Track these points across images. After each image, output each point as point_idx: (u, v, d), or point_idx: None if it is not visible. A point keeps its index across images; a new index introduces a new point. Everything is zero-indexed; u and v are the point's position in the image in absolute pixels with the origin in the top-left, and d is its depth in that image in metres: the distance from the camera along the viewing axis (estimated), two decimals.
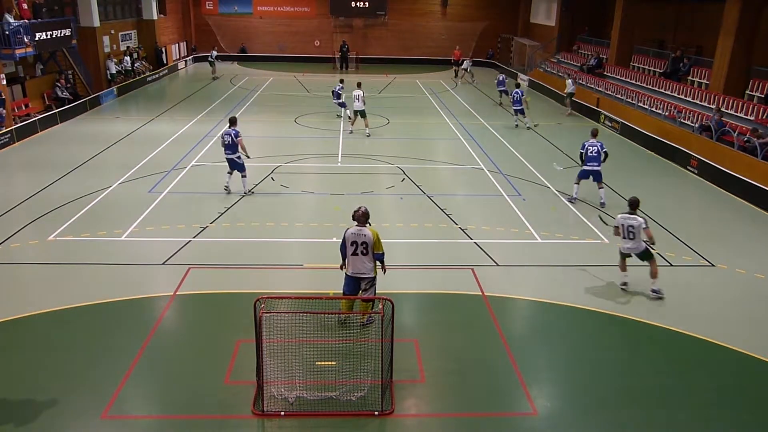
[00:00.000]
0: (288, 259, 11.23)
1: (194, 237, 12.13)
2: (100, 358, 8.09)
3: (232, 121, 14.68)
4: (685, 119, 20.03)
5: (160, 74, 34.23)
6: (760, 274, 11.06)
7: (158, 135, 20.64)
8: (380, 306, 7.21)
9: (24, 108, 22.13)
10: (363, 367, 7.55)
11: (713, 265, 11.40)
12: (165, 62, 35.91)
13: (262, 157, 18.15)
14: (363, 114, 20.81)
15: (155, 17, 34.66)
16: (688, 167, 17.86)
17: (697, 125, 18.99)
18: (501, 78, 28.69)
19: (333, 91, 23.09)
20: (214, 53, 35.60)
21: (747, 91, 19.34)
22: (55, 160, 17.32)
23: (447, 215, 13.60)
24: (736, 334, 9.01)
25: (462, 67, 36.16)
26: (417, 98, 29.63)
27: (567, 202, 14.56)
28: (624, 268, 10.34)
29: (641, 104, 22.85)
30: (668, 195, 15.71)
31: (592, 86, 27.09)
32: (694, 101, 20.89)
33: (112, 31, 30.27)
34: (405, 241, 12.32)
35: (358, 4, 40.86)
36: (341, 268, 8.72)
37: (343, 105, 22.90)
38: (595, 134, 14.62)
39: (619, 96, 24.48)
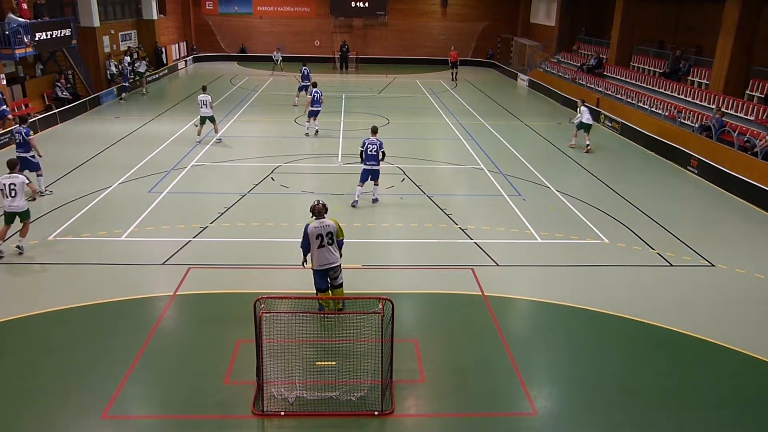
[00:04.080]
0: (288, 259, 11.21)
1: (194, 237, 12.12)
2: (100, 358, 8.10)
3: (23, 119, 14.68)
4: (685, 119, 20.03)
5: (160, 74, 34.22)
6: (759, 274, 11.06)
7: (158, 135, 20.63)
8: (380, 306, 7.21)
9: (24, 108, 22.11)
10: (363, 367, 7.55)
11: (713, 265, 11.40)
12: (165, 62, 35.91)
13: (262, 157, 18.15)
14: (212, 119, 19.44)
15: (155, 17, 34.65)
16: (688, 167, 17.86)
17: (697, 125, 18.99)
18: (305, 71, 25.73)
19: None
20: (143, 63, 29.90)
21: (747, 91, 19.34)
22: (54, 160, 17.30)
23: (447, 215, 13.59)
24: (736, 334, 9.01)
25: (275, 58, 36.69)
26: (417, 98, 29.62)
27: (351, 207, 13.86)
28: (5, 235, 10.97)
29: (641, 104, 22.85)
30: (668, 195, 15.70)
31: (592, 86, 27.10)
32: (694, 101, 20.89)
33: (112, 31, 30.25)
34: (405, 241, 12.32)
35: (358, 4, 40.84)
36: (303, 264, 9.00)
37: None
38: (375, 131, 13.94)
39: (619, 96, 24.48)
